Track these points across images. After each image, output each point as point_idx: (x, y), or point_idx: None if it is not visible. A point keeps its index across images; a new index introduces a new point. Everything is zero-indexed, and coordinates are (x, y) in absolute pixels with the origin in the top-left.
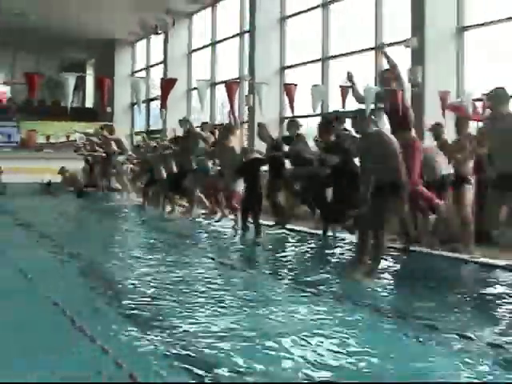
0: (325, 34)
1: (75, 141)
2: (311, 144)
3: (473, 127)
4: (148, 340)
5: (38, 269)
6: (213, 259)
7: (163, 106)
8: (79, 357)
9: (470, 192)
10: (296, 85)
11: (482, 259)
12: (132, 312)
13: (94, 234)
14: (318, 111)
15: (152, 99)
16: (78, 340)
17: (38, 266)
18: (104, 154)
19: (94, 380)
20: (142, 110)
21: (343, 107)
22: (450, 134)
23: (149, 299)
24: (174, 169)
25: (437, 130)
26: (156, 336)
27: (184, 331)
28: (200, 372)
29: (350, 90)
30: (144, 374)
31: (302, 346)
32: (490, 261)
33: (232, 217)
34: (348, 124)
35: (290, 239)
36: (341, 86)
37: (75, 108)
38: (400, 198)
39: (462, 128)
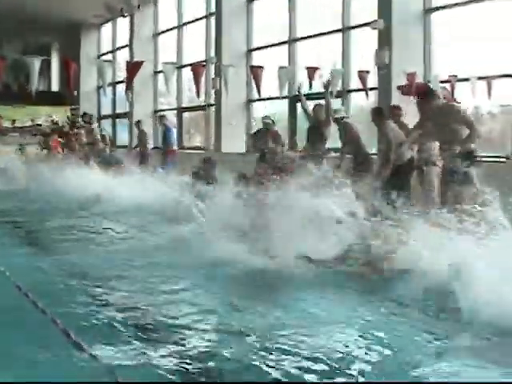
0: (292, 16)
1: (40, 125)
2: None
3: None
4: None
5: None
6: None
7: (129, 88)
8: None
9: (435, 175)
10: (262, 67)
11: None
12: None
13: None
14: (285, 93)
15: (118, 82)
16: None
17: None
18: None
19: None
20: (108, 93)
21: (310, 89)
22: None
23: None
24: None
25: (394, 112)
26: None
27: None
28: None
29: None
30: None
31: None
32: None
33: None
34: None
35: None
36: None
37: (41, 92)
38: None
39: (422, 110)
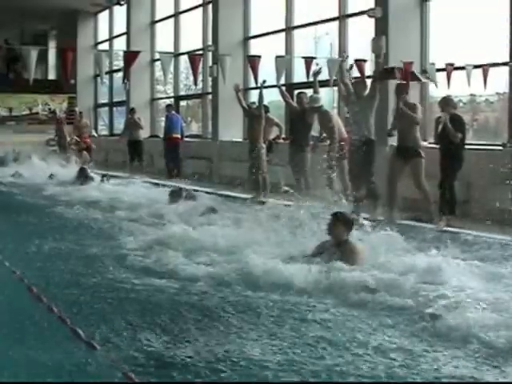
0: (289, 4)
1: (37, 113)
2: None
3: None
4: None
5: None
6: None
7: (126, 77)
8: None
9: (421, 163)
10: (260, 56)
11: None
12: None
13: None
14: (282, 82)
15: (115, 70)
16: None
17: None
18: None
19: None
20: (106, 82)
21: (307, 78)
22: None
23: None
24: None
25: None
26: None
27: None
28: None
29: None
30: None
31: None
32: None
33: None
34: None
35: None
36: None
37: (38, 80)
38: None
39: (399, 94)
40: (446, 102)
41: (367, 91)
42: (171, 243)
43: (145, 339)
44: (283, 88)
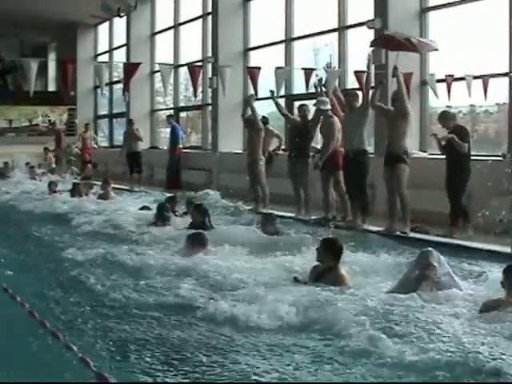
0: (288, 16)
1: (37, 125)
2: None
3: None
4: None
5: None
6: None
7: (126, 89)
8: None
9: (405, 170)
10: (259, 68)
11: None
12: None
13: None
14: (282, 93)
15: (115, 82)
16: None
17: None
18: None
19: None
20: (106, 93)
21: (307, 89)
22: None
23: None
24: None
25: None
26: None
27: None
28: None
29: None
30: None
31: None
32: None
33: None
34: None
35: None
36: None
37: (38, 92)
38: None
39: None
40: (445, 117)
41: (359, 103)
42: None
43: None
44: (278, 100)
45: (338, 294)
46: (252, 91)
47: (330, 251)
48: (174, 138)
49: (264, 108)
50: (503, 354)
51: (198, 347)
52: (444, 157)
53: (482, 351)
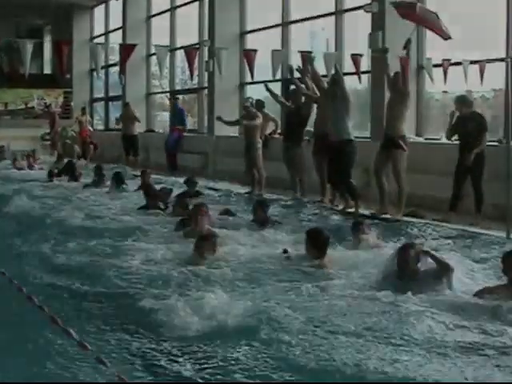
0: None
1: (33, 108)
2: None
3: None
4: None
5: None
6: None
7: (122, 71)
8: None
9: (402, 156)
10: (256, 50)
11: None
12: None
13: None
14: (278, 76)
15: (111, 65)
16: None
17: None
18: None
19: None
20: (101, 76)
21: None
22: None
23: None
24: None
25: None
26: None
27: None
28: None
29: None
30: None
31: None
32: None
33: None
34: None
35: None
36: None
37: (33, 74)
38: None
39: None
40: (463, 102)
41: (339, 92)
42: None
43: None
44: (269, 86)
45: None
46: (252, 73)
47: (315, 244)
48: (181, 119)
49: (261, 92)
50: None
51: None
52: (444, 142)
53: None
